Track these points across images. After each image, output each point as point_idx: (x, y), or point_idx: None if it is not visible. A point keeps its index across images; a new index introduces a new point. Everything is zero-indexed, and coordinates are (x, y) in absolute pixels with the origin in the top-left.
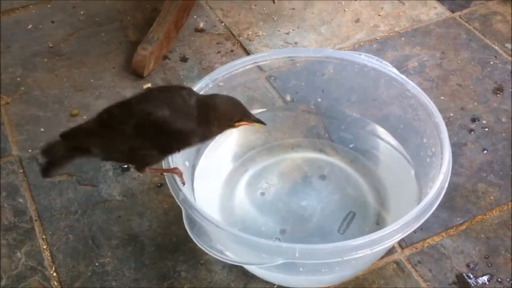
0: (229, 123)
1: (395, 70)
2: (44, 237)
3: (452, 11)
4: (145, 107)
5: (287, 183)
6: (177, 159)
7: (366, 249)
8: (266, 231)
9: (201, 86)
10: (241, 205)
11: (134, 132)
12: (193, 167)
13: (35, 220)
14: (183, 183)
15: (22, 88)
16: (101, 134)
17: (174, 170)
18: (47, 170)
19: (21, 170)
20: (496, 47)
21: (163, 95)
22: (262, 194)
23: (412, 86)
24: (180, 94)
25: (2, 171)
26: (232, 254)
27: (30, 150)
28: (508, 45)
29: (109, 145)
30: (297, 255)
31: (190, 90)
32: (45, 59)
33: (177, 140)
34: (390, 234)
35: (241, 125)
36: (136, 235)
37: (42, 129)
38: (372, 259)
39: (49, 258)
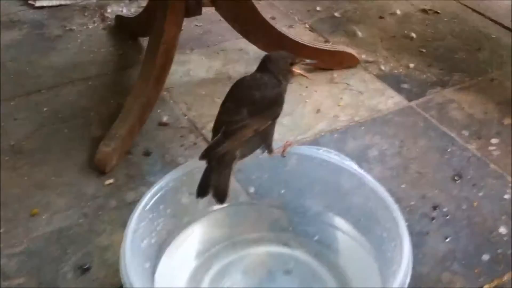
0: (287, 67)
1: (353, 164)
2: None
3: (409, 100)
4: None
5: (252, 280)
6: (136, 262)
7: None
8: None
9: (161, 185)
10: None
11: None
12: (154, 268)
13: None
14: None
15: None
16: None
17: (289, 143)
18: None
19: None
20: (453, 134)
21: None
22: None
23: (369, 180)
24: (246, 79)
25: None
26: None
27: None
28: (464, 132)
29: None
30: None
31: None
32: (6, 158)
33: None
34: None
35: (297, 72)
36: None
37: (1, 230)
38: None
39: None
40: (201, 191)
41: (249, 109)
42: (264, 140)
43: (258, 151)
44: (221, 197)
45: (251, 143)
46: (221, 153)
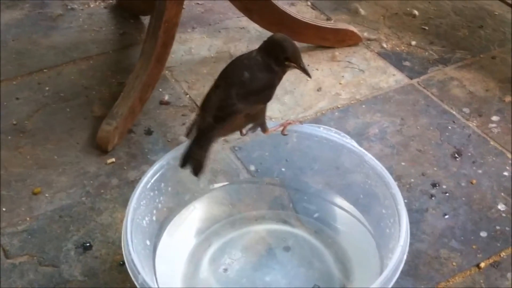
0: (280, 58)
1: (353, 142)
2: None
3: (411, 78)
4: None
5: (251, 257)
6: (137, 239)
7: None
8: None
9: (162, 164)
10: (205, 283)
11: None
12: (155, 246)
13: None
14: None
15: None
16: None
17: (289, 122)
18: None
19: None
20: (454, 112)
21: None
22: (225, 270)
23: (369, 157)
24: (241, 58)
25: None
26: None
27: None
28: (465, 110)
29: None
30: None
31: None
32: (9, 137)
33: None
34: None
35: (291, 66)
36: None
37: (4, 209)
38: None
39: None
40: (182, 162)
41: (239, 92)
42: (255, 120)
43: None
44: (197, 170)
45: (239, 124)
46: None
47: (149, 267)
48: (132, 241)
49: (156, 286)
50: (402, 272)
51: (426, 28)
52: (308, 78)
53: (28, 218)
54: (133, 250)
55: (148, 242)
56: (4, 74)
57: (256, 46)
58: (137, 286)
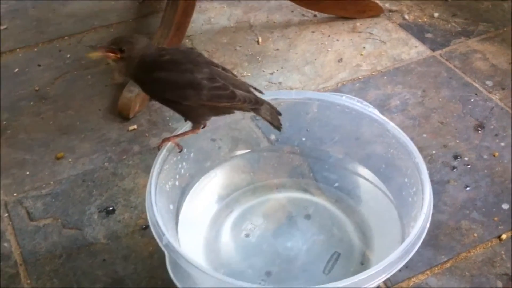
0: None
1: (375, 111)
2: (28, 281)
3: (433, 50)
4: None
5: (272, 224)
6: (161, 203)
7: None
8: (252, 274)
9: (185, 129)
10: (226, 247)
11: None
12: (177, 210)
13: (20, 265)
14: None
15: (8, 131)
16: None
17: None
18: None
19: (6, 214)
20: (477, 85)
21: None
22: (247, 235)
23: (392, 126)
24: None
25: None
26: None
27: (15, 194)
28: (488, 83)
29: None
30: None
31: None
32: (31, 103)
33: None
34: (375, 275)
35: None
36: (121, 279)
37: (27, 173)
38: None
39: None
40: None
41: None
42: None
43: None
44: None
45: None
46: None
47: (172, 230)
48: (156, 204)
49: (179, 248)
50: (422, 242)
51: (449, 0)
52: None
53: (51, 182)
54: (158, 212)
55: (171, 206)
56: (24, 41)
57: (275, 16)
58: (162, 247)
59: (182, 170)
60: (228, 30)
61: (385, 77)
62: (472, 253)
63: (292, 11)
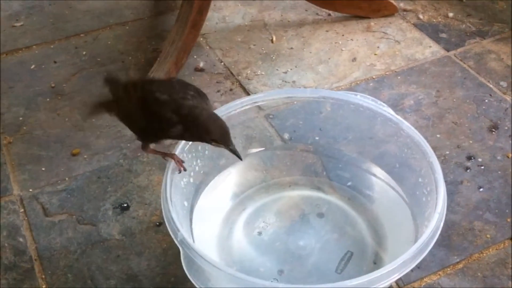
0: (206, 140)
1: (390, 110)
2: (43, 276)
3: (447, 50)
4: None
5: (285, 222)
6: (175, 199)
7: None
8: (264, 272)
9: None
10: (239, 245)
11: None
12: (192, 207)
13: (35, 260)
14: (182, 170)
15: (24, 127)
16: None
17: (172, 156)
18: None
19: (22, 210)
20: (491, 85)
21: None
22: (259, 233)
23: (406, 126)
24: (185, 91)
25: (3, 210)
26: None
27: (31, 190)
28: (502, 83)
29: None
30: None
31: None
32: (47, 99)
33: (161, 124)
34: (387, 274)
35: (220, 146)
36: (135, 275)
37: (43, 169)
38: None
39: None
40: None
41: None
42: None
43: None
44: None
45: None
46: None
47: (186, 226)
48: (171, 200)
49: (194, 244)
50: (435, 242)
51: (464, 0)
52: (240, 160)
53: (67, 178)
54: (173, 208)
55: (185, 203)
56: (41, 37)
57: (290, 15)
58: (177, 243)
59: (197, 168)
60: (243, 29)
61: (399, 77)
62: (484, 254)
63: (307, 10)
